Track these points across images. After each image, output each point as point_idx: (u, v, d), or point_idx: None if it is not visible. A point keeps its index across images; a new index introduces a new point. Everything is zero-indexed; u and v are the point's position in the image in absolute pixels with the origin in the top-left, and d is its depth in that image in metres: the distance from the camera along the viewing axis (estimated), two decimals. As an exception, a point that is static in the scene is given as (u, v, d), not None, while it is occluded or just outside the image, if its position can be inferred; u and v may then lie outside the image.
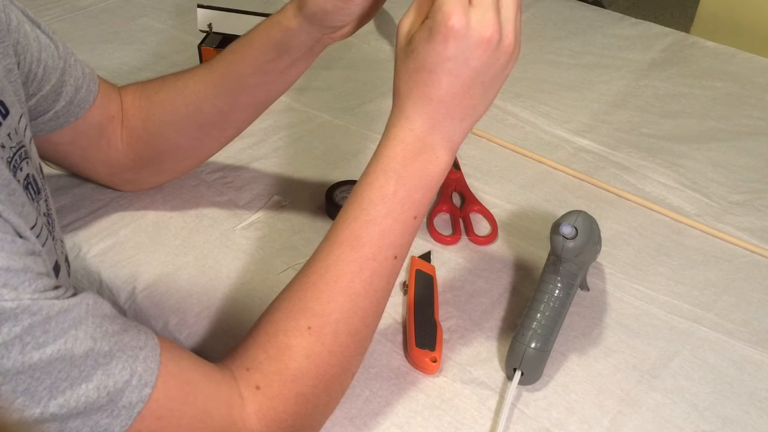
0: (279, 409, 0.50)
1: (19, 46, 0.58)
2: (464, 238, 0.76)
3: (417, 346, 0.62)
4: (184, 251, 0.73)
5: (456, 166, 0.85)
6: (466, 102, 0.52)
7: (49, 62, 0.62)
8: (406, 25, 0.52)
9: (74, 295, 0.43)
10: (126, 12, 1.18)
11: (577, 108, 0.99)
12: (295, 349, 0.51)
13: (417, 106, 0.52)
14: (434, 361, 0.61)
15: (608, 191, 0.84)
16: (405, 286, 0.69)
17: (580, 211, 0.63)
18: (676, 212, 0.81)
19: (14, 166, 0.52)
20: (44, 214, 0.55)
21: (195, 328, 0.65)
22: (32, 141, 0.58)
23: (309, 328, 0.51)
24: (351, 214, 0.53)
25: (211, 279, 0.70)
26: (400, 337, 0.65)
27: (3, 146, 0.51)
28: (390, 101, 0.53)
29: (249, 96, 0.69)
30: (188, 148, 0.74)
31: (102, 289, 0.70)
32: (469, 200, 0.80)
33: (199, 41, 0.98)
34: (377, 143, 0.53)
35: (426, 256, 0.73)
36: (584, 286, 0.69)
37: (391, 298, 0.56)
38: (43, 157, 0.70)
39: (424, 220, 0.77)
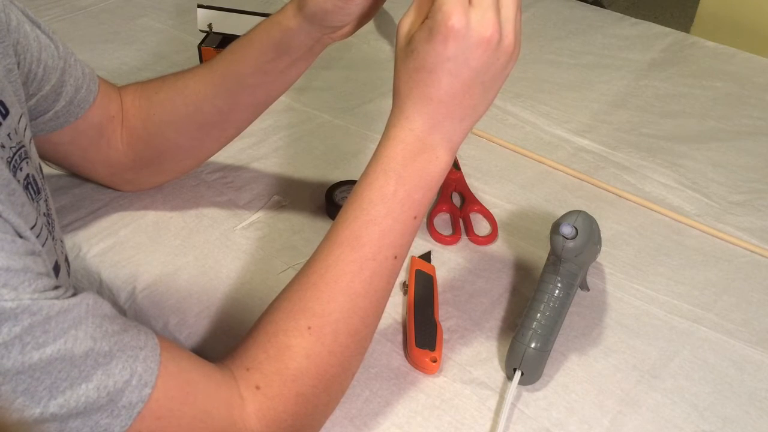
0: (279, 409, 0.50)
1: (19, 46, 0.58)
2: (464, 238, 0.76)
3: (417, 346, 0.62)
4: (184, 251, 0.73)
5: (456, 166, 0.85)
6: (466, 102, 0.52)
7: (49, 62, 0.62)
8: (406, 25, 0.52)
9: (74, 295, 0.43)
10: (126, 12, 1.18)
11: (577, 108, 0.99)
12: (295, 349, 0.51)
13: (417, 106, 0.52)
14: (434, 361, 0.61)
15: (608, 191, 0.84)
16: (405, 286, 0.69)
17: (580, 211, 0.63)
18: (676, 212, 0.81)
19: (14, 166, 0.52)
20: (44, 214, 0.55)
21: (195, 328, 0.65)
22: (32, 141, 0.58)
23: (309, 328, 0.51)
24: (351, 214, 0.53)
25: (211, 279, 0.70)
26: (400, 337, 0.65)
27: (3, 146, 0.51)
28: (390, 101, 0.53)
29: (249, 96, 0.69)
30: (188, 148, 0.74)
31: (102, 289, 0.70)
32: (469, 200, 0.80)
33: (199, 41, 0.98)
34: (377, 143, 0.53)
35: (426, 256, 0.73)
36: (584, 286, 0.69)
37: (391, 298, 0.56)
38: (43, 157, 0.70)
39: (424, 220, 0.77)
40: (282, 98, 0.72)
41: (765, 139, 0.94)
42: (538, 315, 0.62)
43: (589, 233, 0.63)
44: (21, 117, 0.56)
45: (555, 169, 0.87)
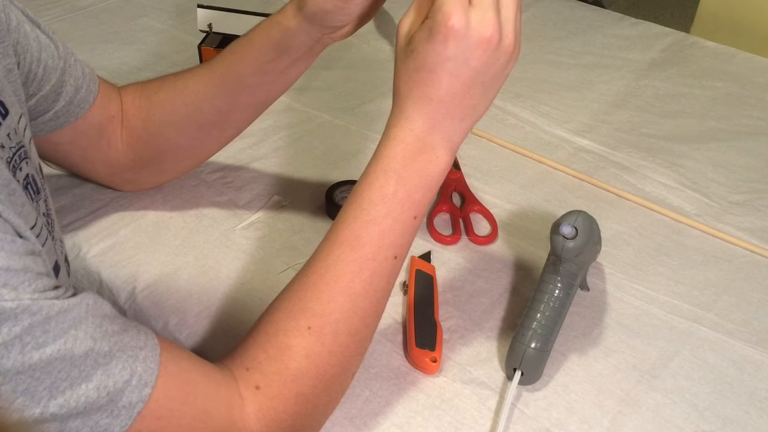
0: (279, 409, 0.50)
1: (19, 46, 0.58)
2: (464, 238, 0.76)
3: (417, 346, 0.62)
4: (184, 251, 0.73)
5: (456, 166, 0.85)
6: (466, 102, 0.52)
7: (49, 62, 0.62)
8: (406, 25, 0.52)
9: (74, 295, 0.43)
10: (126, 12, 1.18)
11: (577, 108, 0.99)
12: (295, 349, 0.51)
13: (417, 106, 0.52)
14: (434, 361, 0.61)
15: (608, 191, 0.84)
16: (405, 286, 0.69)
17: (580, 211, 0.63)
18: (676, 212, 0.81)
19: (14, 166, 0.52)
20: (44, 214, 0.55)
21: (195, 328, 0.65)
22: (32, 141, 0.58)
23: (309, 328, 0.51)
24: (351, 214, 0.53)
25: (211, 279, 0.70)
26: (400, 337, 0.65)
27: (2, 146, 0.51)
28: (390, 101, 0.53)
29: (249, 96, 0.69)
30: (188, 148, 0.74)
31: (102, 289, 0.70)
32: (469, 200, 0.80)
33: (199, 41, 0.98)
34: (377, 143, 0.53)
35: (426, 256, 0.73)
36: (584, 286, 0.69)
37: (391, 298, 0.56)
38: (43, 157, 0.70)
39: (424, 220, 0.77)
40: (282, 98, 0.72)
41: (765, 139, 0.94)
42: (538, 315, 0.62)
43: (589, 233, 0.63)
44: (21, 117, 0.56)
45: (555, 169, 0.87)
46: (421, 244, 0.75)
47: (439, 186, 0.54)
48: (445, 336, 0.65)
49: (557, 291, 0.62)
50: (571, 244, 0.61)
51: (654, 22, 1.21)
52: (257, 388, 0.50)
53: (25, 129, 0.56)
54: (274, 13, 0.64)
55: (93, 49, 1.07)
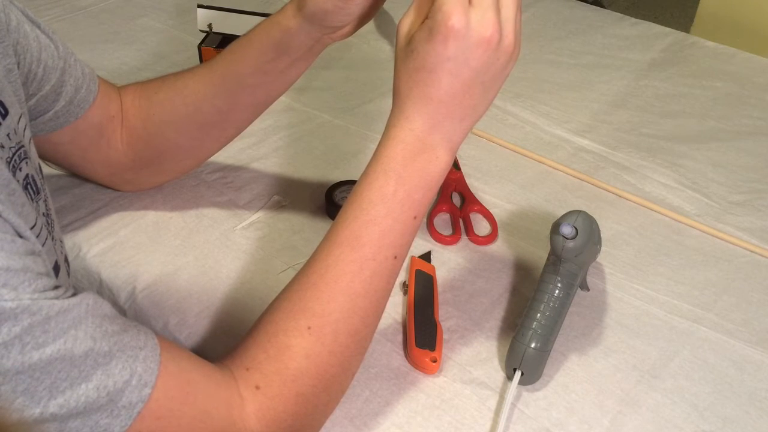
0: (279, 409, 0.50)
1: (18, 46, 0.58)
2: (464, 238, 0.76)
3: (417, 346, 0.62)
4: (184, 251, 0.73)
5: (456, 166, 0.85)
6: (466, 102, 0.52)
7: (49, 62, 0.62)
8: (406, 25, 0.52)
9: (74, 295, 0.43)
10: (126, 12, 1.18)
11: (577, 108, 0.99)
12: (295, 349, 0.51)
13: (417, 106, 0.52)
14: (434, 361, 0.61)
15: (608, 191, 0.84)
16: (405, 286, 0.69)
17: (580, 211, 0.63)
18: (676, 212, 0.81)
19: (14, 167, 0.52)
20: (44, 214, 0.55)
21: (195, 328, 0.65)
22: (31, 141, 0.58)
23: (309, 328, 0.51)
24: (351, 214, 0.53)
25: (211, 279, 0.70)
26: (400, 337, 0.65)
27: (2, 146, 0.51)
28: (390, 101, 0.53)
29: (249, 96, 0.69)
30: (188, 148, 0.74)
31: (102, 289, 0.70)
32: (469, 200, 0.80)
33: (199, 41, 0.98)
34: (377, 143, 0.53)
35: (426, 256, 0.73)
36: (584, 286, 0.69)
37: (391, 298, 0.56)
38: (43, 157, 0.70)
39: (424, 220, 0.77)
40: (282, 98, 0.72)
41: (765, 139, 0.94)
42: (538, 315, 0.62)
43: (589, 233, 0.63)
44: (20, 117, 0.56)
45: (555, 169, 0.87)
46: (421, 244, 0.75)
47: (439, 186, 0.54)
48: (445, 336, 0.65)
49: (557, 291, 0.62)
50: (571, 244, 0.61)
51: (654, 22, 1.21)
52: (257, 388, 0.50)
53: (24, 129, 0.56)
54: (274, 13, 0.64)
55: (93, 49, 1.07)
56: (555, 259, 0.63)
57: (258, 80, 0.67)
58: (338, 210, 0.54)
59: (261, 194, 0.81)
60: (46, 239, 0.52)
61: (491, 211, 0.79)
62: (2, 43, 0.56)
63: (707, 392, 0.62)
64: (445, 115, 0.52)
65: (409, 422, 0.58)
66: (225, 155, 0.83)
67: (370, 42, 1.12)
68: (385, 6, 0.65)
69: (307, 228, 0.76)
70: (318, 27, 0.62)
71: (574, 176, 0.86)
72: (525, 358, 0.60)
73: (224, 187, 0.81)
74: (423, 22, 0.50)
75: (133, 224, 0.76)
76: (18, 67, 0.58)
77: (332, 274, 0.52)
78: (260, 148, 0.87)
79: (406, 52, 0.51)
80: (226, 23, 0.98)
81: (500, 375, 0.62)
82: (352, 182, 0.73)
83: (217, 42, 0.97)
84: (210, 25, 0.99)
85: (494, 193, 0.83)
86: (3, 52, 0.56)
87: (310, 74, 0.85)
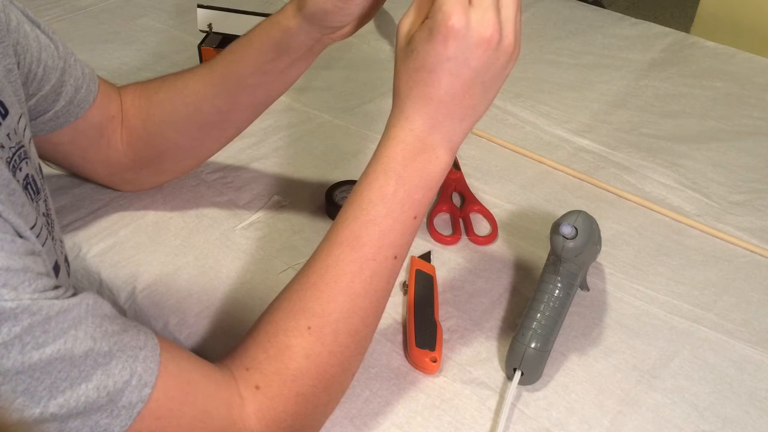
0: (279, 409, 0.50)
1: (18, 46, 0.58)
2: (464, 238, 0.76)
3: (417, 346, 0.62)
4: (184, 251, 0.73)
5: (456, 166, 0.85)
6: (466, 102, 0.52)
7: (49, 62, 0.62)
8: (406, 25, 0.52)
9: (74, 295, 0.43)
10: (126, 12, 1.18)
11: (577, 108, 0.99)
12: (295, 349, 0.51)
13: (417, 106, 0.52)
14: (434, 361, 0.61)
15: (608, 191, 0.84)
16: (405, 286, 0.69)
17: (580, 211, 0.63)
18: (676, 212, 0.81)
19: (14, 167, 0.52)
20: (44, 214, 0.55)
21: (195, 328, 0.65)
22: (31, 141, 0.58)
23: (309, 328, 0.51)
24: (351, 214, 0.53)
25: (211, 279, 0.70)
26: (400, 337, 0.65)
27: (2, 146, 0.51)
28: (390, 101, 0.53)
29: (249, 96, 0.69)
30: (188, 148, 0.74)
31: (102, 289, 0.70)
32: (469, 200, 0.80)
33: (199, 41, 0.98)
34: (377, 143, 0.53)
35: (426, 256, 0.73)
36: (584, 286, 0.69)
37: (391, 298, 0.56)
38: (43, 157, 0.70)
39: (424, 220, 0.77)
40: (282, 98, 0.72)
41: (765, 139, 0.94)
42: (538, 315, 0.62)
43: (589, 233, 0.63)
44: (20, 117, 0.56)
45: (555, 169, 0.87)
46: (421, 244, 0.75)
47: (439, 186, 0.54)
48: (445, 336, 0.65)
49: (557, 291, 0.62)
50: (571, 244, 0.61)
51: (654, 22, 1.21)
52: (257, 388, 0.50)
53: (24, 129, 0.56)
54: (274, 13, 0.64)
55: (93, 49, 1.07)
56: (555, 259, 0.63)
57: (258, 80, 0.67)
58: (338, 210, 0.54)
59: (261, 194, 0.81)
60: (46, 239, 0.52)
61: (491, 211, 0.79)
62: (2, 43, 0.56)
63: (707, 392, 0.62)
64: (445, 115, 0.52)
65: (409, 422, 0.58)
66: (225, 155, 0.83)
67: (370, 42, 1.12)
68: (385, 6, 0.65)
69: (307, 228, 0.76)
70: (318, 27, 0.62)
71: (574, 176, 0.86)
72: (525, 358, 0.60)
73: (224, 187, 0.81)
74: (423, 22, 0.50)
75: (133, 224, 0.76)
76: (18, 67, 0.58)
77: (332, 274, 0.52)
78: (260, 148, 0.87)
79: (406, 52, 0.51)
80: (226, 23, 0.98)
81: (500, 375, 0.62)
82: (352, 182, 0.73)
83: (217, 42, 0.97)
84: (210, 25, 0.99)
85: (494, 193, 0.83)
86: (3, 52, 0.56)
87: (310, 74, 0.85)
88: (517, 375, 0.60)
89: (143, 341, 0.46)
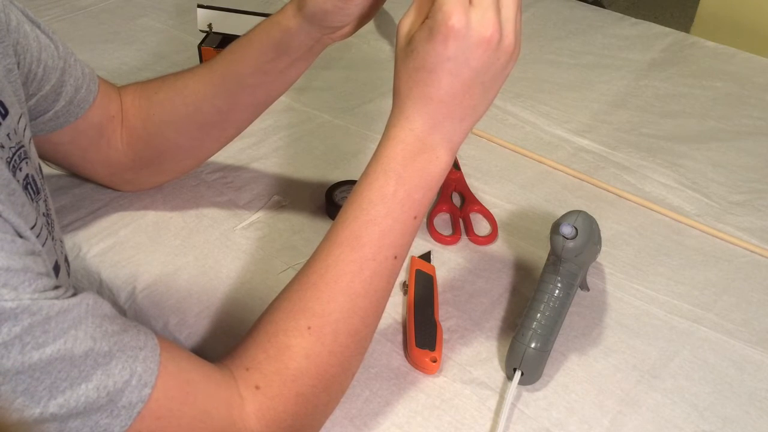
0: (279, 409, 0.50)
1: (18, 46, 0.58)
2: (464, 238, 0.76)
3: (417, 346, 0.62)
4: (184, 251, 0.73)
5: (456, 166, 0.85)
6: (467, 102, 0.52)
7: (49, 62, 0.62)
8: (406, 25, 0.52)
9: (74, 295, 0.43)
10: (126, 12, 1.18)
11: (577, 108, 0.99)
12: (294, 349, 0.50)
13: (417, 106, 0.52)
14: (434, 361, 0.61)
15: (608, 191, 0.84)
16: (405, 286, 0.69)
17: (580, 211, 0.63)
18: (676, 212, 0.81)
19: (14, 167, 0.52)
20: (44, 214, 0.55)
21: (195, 328, 0.65)
22: (31, 141, 0.58)
23: (309, 328, 0.51)
24: (351, 214, 0.53)
25: (211, 279, 0.70)
26: (400, 337, 0.65)
27: (2, 146, 0.51)
28: (390, 101, 0.53)
29: (249, 96, 0.69)
30: (188, 148, 0.74)
31: (102, 289, 0.70)
32: (469, 200, 0.80)
33: (199, 41, 0.98)
34: (377, 143, 0.53)
35: (426, 256, 0.73)
36: (584, 286, 0.69)
37: (391, 298, 0.56)
38: (43, 157, 0.70)
39: (424, 220, 0.76)
40: (282, 98, 0.72)
41: (765, 139, 0.94)
42: (538, 315, 0.62)
43: (589, 233, 0.63)
44: (20, 117, 0.56)
45: (555, 169, 0.87)
46: (421, 244, 0.75)
47: (440, 186, 0.54)
48: (445, 336, 0.65)
49: (557, 291, 0.62)
50: (571, 244, 0.61)
51: (654, 22, 1.21)
52: (257, 388, 0.50)
53: (24, 129, 0.56)
54: (274, 13, 0.64)
55: (93, 49, 1.07)
56: (555, 259, 0.63)
57: (258, 80, 0.67)
58: (338, 210, 0.54)
59: (261, 194, 0.81)
60: (46, 239, 0.52)
61: (491, 211, 0.79)
62: (2, 43, 0.56)
63: (707, 392, 0.62)
64: (445, 115, 0.52)
65: (409, 422, 0.58)
66: (225, 155, 0.83)
67: (370, 42, 1.12)
68: (385, 6, 0.65)
69: (307, 228, 0.76)
70: (318, 27, 0.62)
71: (574, 176, 0.86)
72: (525, 358, 0.60)
73: (224, 187, 0.81)
74: (423, 22, 0.50)
75: (133, 224, 0.76)
76: (18, 67, 0.58)
77: (332, 274, 0.52)
78: (260, 148, 0.87)
79: (406, 52, 0.51)
80: (226, 23, 0.98)
81: (500, 375, 0.62)
82: (352, 182, 0.73)
83: (217, 42, 0.97)
84: (210, 25, 0.99)
85: (494, 193, 0.83)
86: (3, 52, 0.56)
87: (310, 74, 0.85)
88: (517, 375, 0.60)
89: (143, 341, 0.46)
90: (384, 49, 1.11)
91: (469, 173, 0.85)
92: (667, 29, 1.19)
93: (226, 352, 0.53)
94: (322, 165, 0.86)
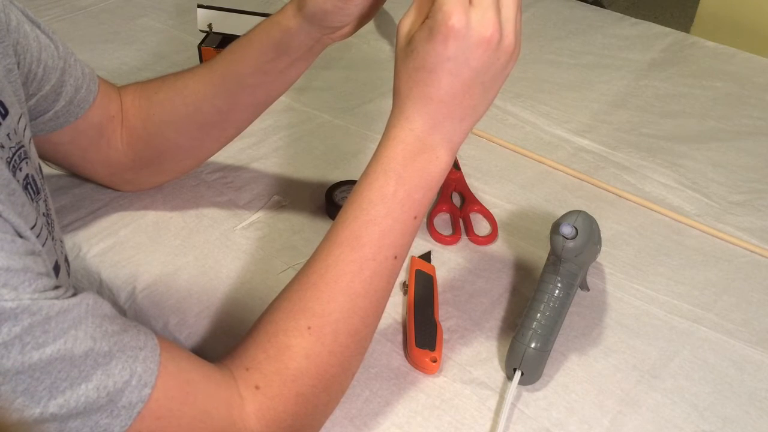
0: (279, 409, 0.50)
1: (18, 46, 0.58)
2: (464, 238, 0.76)
3: (417, 346, 0.62)
4: (184, 251, 0.73)
5: (456, 166, 0.85)
6: (467, 102, 0.52)
7: (49, 62, 0.62)
8: (406, 25, 0.52)
9: (74, 295, 0.43)
10: (126, 12, 1.18)
11: (577, 108, 0.99)
12: (294, 349, 0.51)
13: (417, 106, 0.52)
14: (434, 361, 0.61)
15: (608, 191, 0.84)
16: (405, 286, 0.69)
17: (580, 211, 0.63)
18: (676, 212, 0.81)
19: (14, 167, 0.52)
20: (44, 214, 0.55)
21: (195, 328, 0.65)
22: (31, 141, 0.58)
23: (309, 328, 0.51)
24: (351, 214, 0.53)
25: (211, 279, 0.70)
26: (400, 337, 0.65)
27: (2, 146, 0.51)
28: (390, 101, 0.53)
29: (249, 96, 0.69)
30: (188, 148, 0.74)
31: (102, 289, 0.70)
32: (469, 200, 0.80)
33: (199, 41, 0.98)
34: (377, 143, 0.53)
35: (426, 256, 0.73)
36: (584, 286, 0.69)
37: (391, 298, 0.56)
38: (43, 157, 0.70)
39: (424, 220, 0.76)
40: (282, 98, 0.72)
41: (765, 139, 0.94)
42: (538, 315, 0.62)
43: (589, 233, 0.63)
44: (20, 117, 0.56)
45: (555, 169, 0.87)
46: (421, 244, 0.75)
47: (440, 186, 0.54)
48: (445, 336, 0.65)
49: (557, 291, 0.62)
50: (571, 244, 0.61)
51: (654, 22, 1.21)
52: (257, 388, 0.50)
53: (25, 129, 0.56)
54: (274, 13, 0.64)
55: (93, 49, 1.07)
56: (555, 259, 0.63)
57: (258, 80, 0.67)
58: (338, 210, 0.54)
59: (261, 194, 0.81)
60: (46, 239, 0.52)
61: (491, 211, 0.79)
62: (2, 43, 0.56)
63: (707, 392, 0.62)
64: (445, 115, 0.52)
65: (409, 422, 0.58)
66: (225, 155, 0.83)
67: (370, 42, 1.12)
68: (385, 6, 0.65)
69: (307, 228, 0.76)
70: (318, 27, 0.62)
71: (574, 176, 0.86)
72: (525, 358, 0.60)
73: (224, 187, 0.81)
74: (423, 22, 0.50)
75: (133, 224, 0.76)
76: (18, 67, 0.58)
77: (332, 274, 0.52)
78: (260, 148, 0.87)
79: (406, 52, 0.51)
80: (226, 23, 0.98)
81: (500, 375, 0.62)
82: (352, 182, 0.73)
83: (217, 42, 0.97)
84: (210, 25, 0.99)
85: (494, 193, 0.83)
86: (3, 52, 0.56)
87: (310, 74, 0.85)
88: (517, 375, 0.60)
89: (143, 341, 0.46)
90: (384, 49, 1.11)
91: (469, 173, 0.85)
92: (667, 29, 1.19)
93: (226, 352, 0.53)
94: (322, 165, 0.86)
